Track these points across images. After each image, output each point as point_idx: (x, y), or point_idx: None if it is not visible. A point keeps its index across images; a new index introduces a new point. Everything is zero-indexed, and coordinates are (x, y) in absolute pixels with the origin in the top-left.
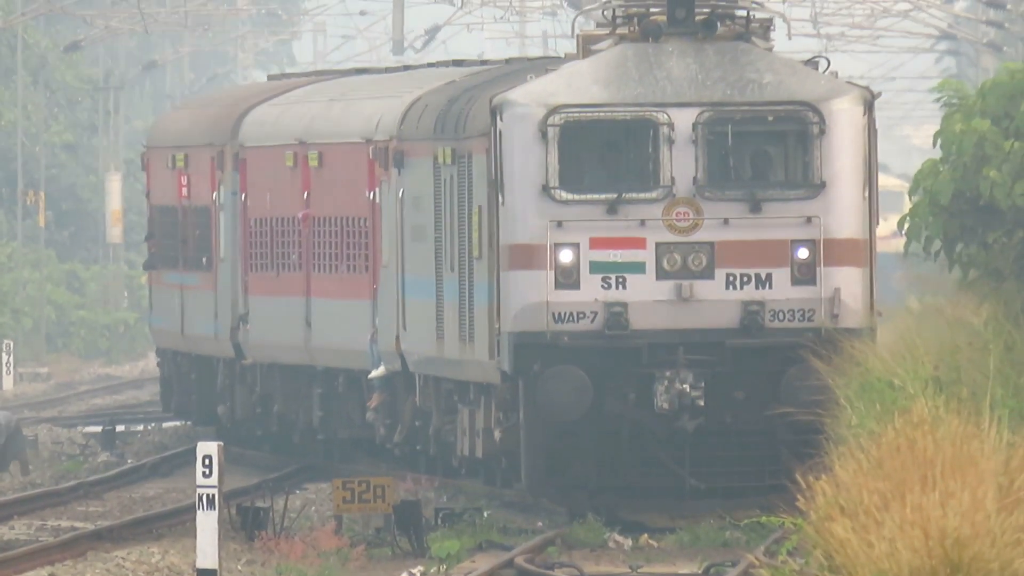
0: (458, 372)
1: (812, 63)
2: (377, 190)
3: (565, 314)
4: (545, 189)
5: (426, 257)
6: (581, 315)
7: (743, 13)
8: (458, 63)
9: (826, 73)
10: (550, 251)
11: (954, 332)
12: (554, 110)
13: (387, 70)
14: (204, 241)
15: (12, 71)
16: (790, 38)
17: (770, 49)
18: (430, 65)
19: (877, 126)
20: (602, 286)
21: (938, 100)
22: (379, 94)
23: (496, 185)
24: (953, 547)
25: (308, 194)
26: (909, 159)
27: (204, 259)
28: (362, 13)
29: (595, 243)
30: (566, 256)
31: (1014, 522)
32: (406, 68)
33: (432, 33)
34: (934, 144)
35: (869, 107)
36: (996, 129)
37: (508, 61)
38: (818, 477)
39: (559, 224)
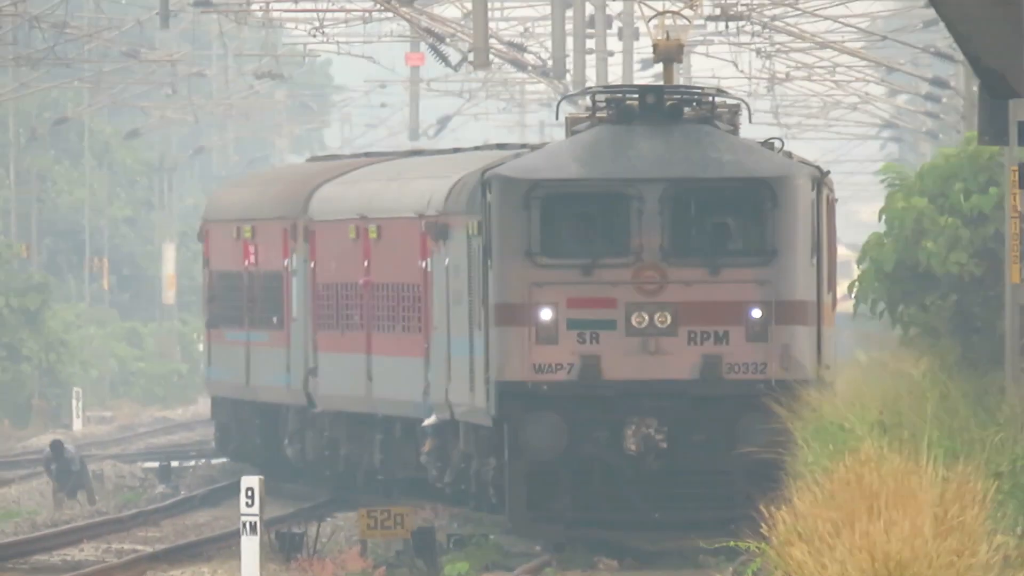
0: (486, 419)
1: (768, 144)
2: (429, 260)
3: (544, 365)
4: (528, 254)
5: (463, 318)
6: (559, 366)
7: (708, 99)
8: (501, 146)
9: (780, 153)
10: (531, 310)
11: (896, 382)
12: (536, 184)
13: (438, 152)
14: (274, 303)
15: (79, 155)
16: (751, 122)
17: (736, 132)
18: (476, 148)
19: (832, 200)
20: (578, 341)
21: (883, 181)
22: (430, 174)
23: (486, 250)
24: (895, 569)
25: (368, 263)
26: (857, 232)
27: (274, 318)
28: (383, 105)
29: (572, 303)
30: (546, 314)
31: (948, 547)
32: (456, 151)
33: (443, 122)
34: (879, 219)
35: (818, 184)
36: (933, 206)
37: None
38: (779, 507)
39: (540, 285)
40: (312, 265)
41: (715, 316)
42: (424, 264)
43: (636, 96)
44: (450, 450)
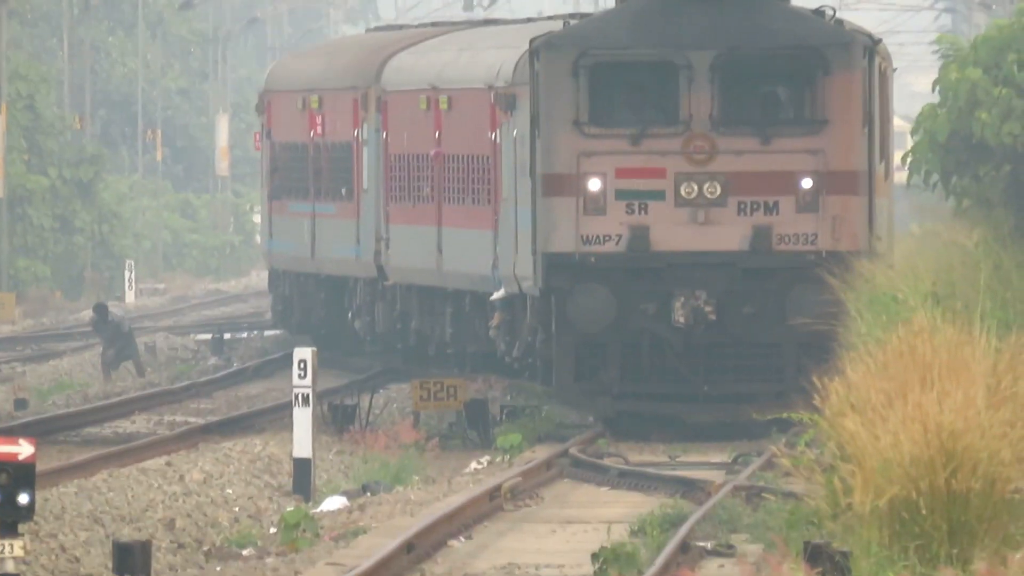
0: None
1: (819, 12)
2: (498, 131)
3: (593, 236)
4: (576, 124)
5: (529, 190)
6: (607, 238)
7: None
8: (573, 16)
9: (832, 21)
10: (580, 180)
11: (950, 252)
12: (585, 52)
13: (512, 22)
14: (343, 174)
15: (133, 25)
16: None
17: (787, 0)
18: (550, 18)
19: (884, 69)
20: (626, 211)
21: (936, 52)
22: (501, 45)
23: (534, 120)
24: (948, 439)
25: (439, 134)
26: (911, 103)
27: (343, 190)
28: None
29: (620, 173)
30: (594, 184)
31: (1000, 417)
32: (529, 20)
33: None
34: (933, 90)
35: (869, 52)
36: (987, 77)
37: None
38: (831, 379)
39: (588, 155)
40: (384, 136)
41: (765, 186)
42: (493, 136)
43: None
44: (518, 324)
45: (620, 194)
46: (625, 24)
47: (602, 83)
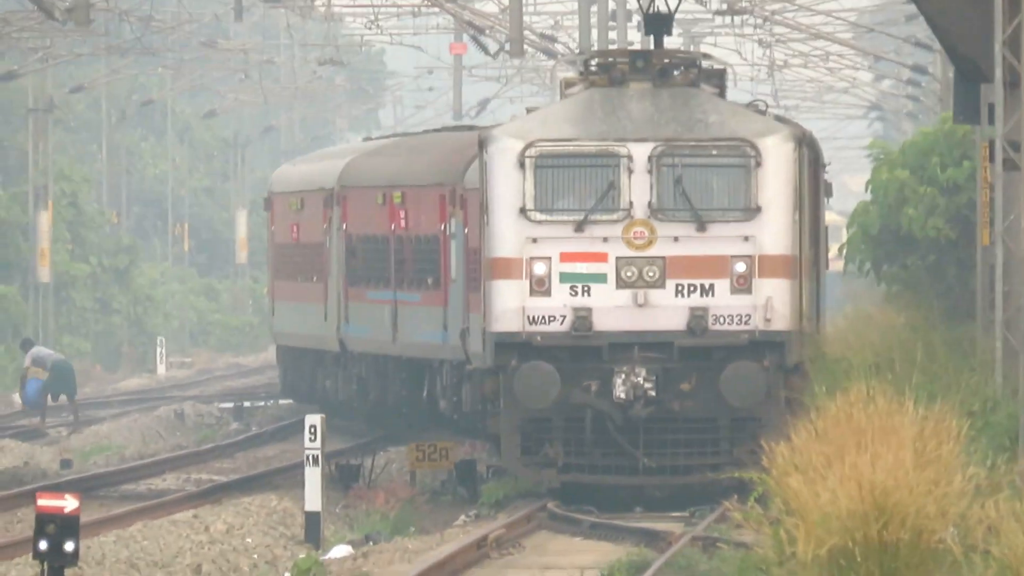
0: None
1: (752, 105)
2: None
3: (538, 317)
4: (522, 211)
5: None
6: (552, 318)
7: (695, 62)
8: None
9: (765, 114)
10: (526, 264)
11: (885, 333)
12: (530, 144)
13: None
14: (429, 264)
15: (163, 132)
16: (736, 86)
17: (722, 95)
18: None
19: (811, 158)
20: (570, 293)
21: (869, 155)
22: None
23: (483, 208)
24: (880, 496)
25: None
26: (846, 201)
27: (429, 279)
28: (430, 89)
29: (564, 257)
30: (540, 268)
31: (926, 477)
32: None
33: (483, 104)
34: (866, 189)
35: (800, 142)
36: (913, 177)
37: None
38: (778, 443)
39: (534, 240)
40: (466, 231)
41: (702, 270)
42: None
43: (626, 60)
44: None
45: (564, 277)
46: (568, 117)
47: (547, 172)
